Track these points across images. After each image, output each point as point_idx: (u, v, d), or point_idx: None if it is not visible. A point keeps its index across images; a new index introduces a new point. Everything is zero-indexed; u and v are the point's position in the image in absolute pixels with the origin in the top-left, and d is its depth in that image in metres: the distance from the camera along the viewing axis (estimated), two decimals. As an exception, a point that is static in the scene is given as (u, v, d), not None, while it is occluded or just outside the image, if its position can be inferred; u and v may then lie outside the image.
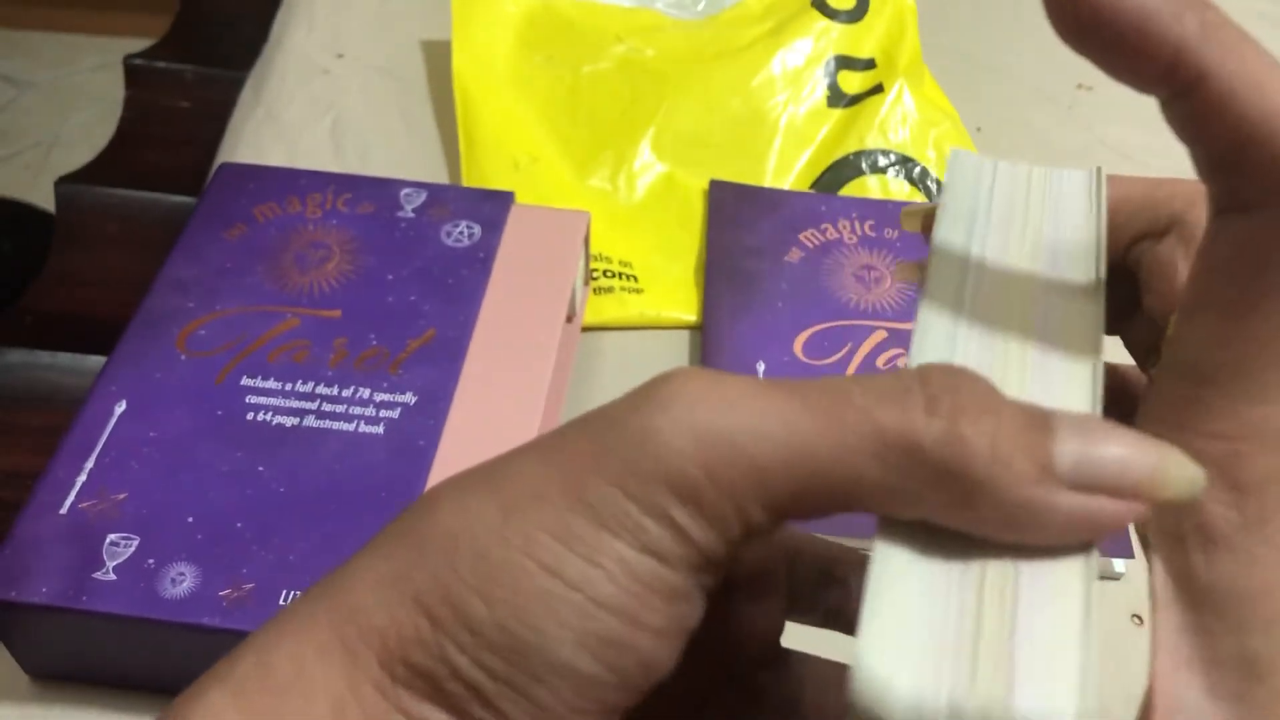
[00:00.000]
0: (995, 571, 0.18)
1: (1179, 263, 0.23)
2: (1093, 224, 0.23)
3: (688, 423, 0.18)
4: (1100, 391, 0.20)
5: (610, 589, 0.18)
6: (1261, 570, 0.18)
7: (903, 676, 0.17)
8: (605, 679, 0.18)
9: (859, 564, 0.25)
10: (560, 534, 0.18)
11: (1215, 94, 0.18)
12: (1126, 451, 0.17)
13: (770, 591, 0.24)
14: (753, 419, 0.18)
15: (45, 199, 0.71)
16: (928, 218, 0.25)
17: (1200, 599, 0.19)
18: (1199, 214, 0.23)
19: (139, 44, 0.73)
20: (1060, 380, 0.20)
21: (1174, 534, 0.19)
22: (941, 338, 0.21)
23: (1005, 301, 0.21)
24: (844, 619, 0.25)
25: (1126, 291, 0.25)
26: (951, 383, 0.18)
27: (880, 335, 0.55)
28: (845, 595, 0.25)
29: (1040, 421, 0.17)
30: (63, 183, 0.64)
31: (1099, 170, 0.24)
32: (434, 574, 0.18)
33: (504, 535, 0.18)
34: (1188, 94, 0.18)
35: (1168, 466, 0.17)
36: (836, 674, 0.26)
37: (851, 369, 0.53)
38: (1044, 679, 0.17)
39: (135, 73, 0.71)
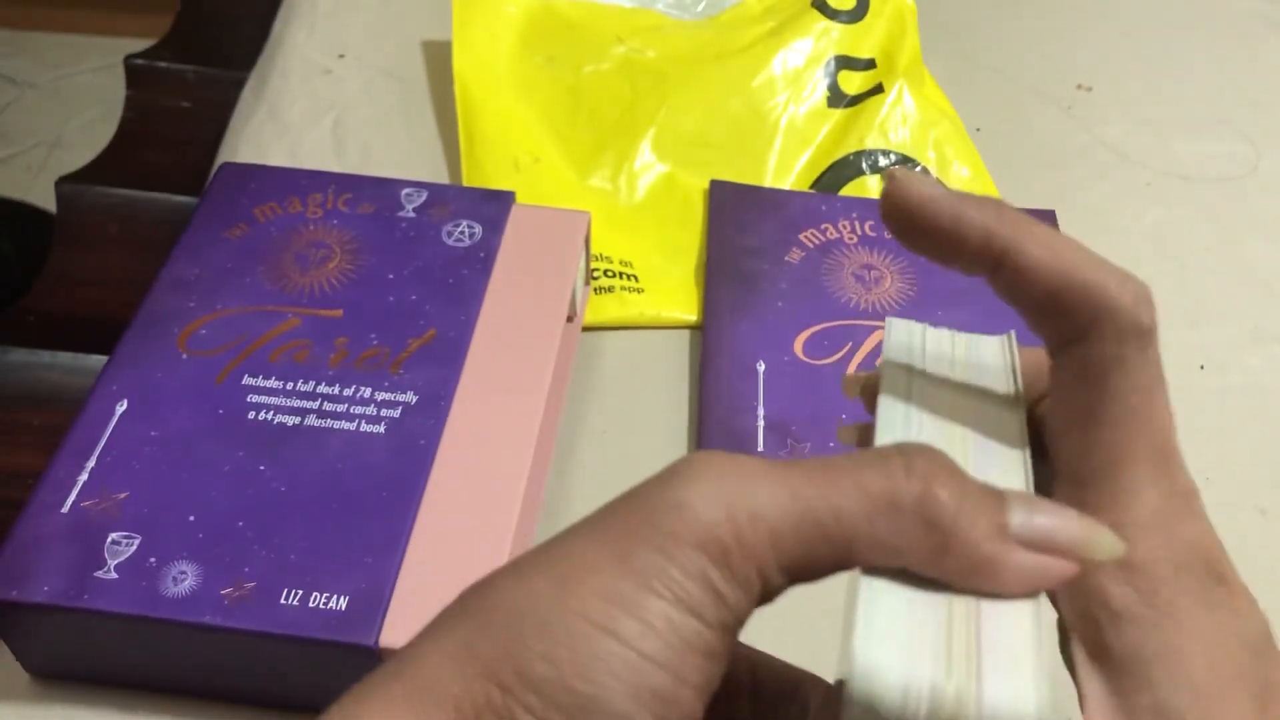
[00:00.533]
0: (961, 602, 0.21)
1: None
2: (1007, 358, 0.27)
3: (715, 496, 0.21)
4: (1031, 478, 0.24)
5: (658, 645, 0.20)
6: (1161, 635, 0.22)
7: (890, 666, 0.20)
8: None
9: (816, 684, 0.28)
10: (613, 598, 0.20)
11: (1021, 261, 0.23)
12: (1064, 521, 0.21)
13: (738, 693, 0.28)
14: (767, 490, 0.21)
15: (46, 199, 0.71)
16: (867, 385, 0.29)
17: (1116, 666, 0.22)
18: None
19: (140, 44, 0.73)
20: (997, 469, 0.24)
21: (1086, 614, 0.23)
22: (898, 434, 0.25)
23: (945, 417, 0.26)
24: None
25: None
26: (925, 454, 0.21)
27: (880, 335, 0.55)
28: (803, 712, 0.28)
29: (995, 493, 0.22)
30: (64, 183, 0.64)
31: (1010, 335, 0.28)
32: (501, 644, 0.20)
33: (562, 603, 0.20)
34: (1001, 266, 0.23)
35: (1095, 534, 0.22)
36: None
37: (852, 368, 0.54)
38: (1008, 678, 0.20)
39: (136, 73, 0.71)
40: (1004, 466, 0.24)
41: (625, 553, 0.21)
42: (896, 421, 0.25)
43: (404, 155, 0.64)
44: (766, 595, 0.21)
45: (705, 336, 0.56)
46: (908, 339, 0.28)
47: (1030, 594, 0.21)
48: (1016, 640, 0.21)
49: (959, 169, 0.66)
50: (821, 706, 0.27)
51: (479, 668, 0.20)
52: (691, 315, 0.58)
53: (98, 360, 0.54)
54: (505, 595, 0.21)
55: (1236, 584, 0.23)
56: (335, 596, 0.39)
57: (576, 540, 0.21)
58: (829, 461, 0.22)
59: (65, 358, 0.55)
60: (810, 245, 0.59)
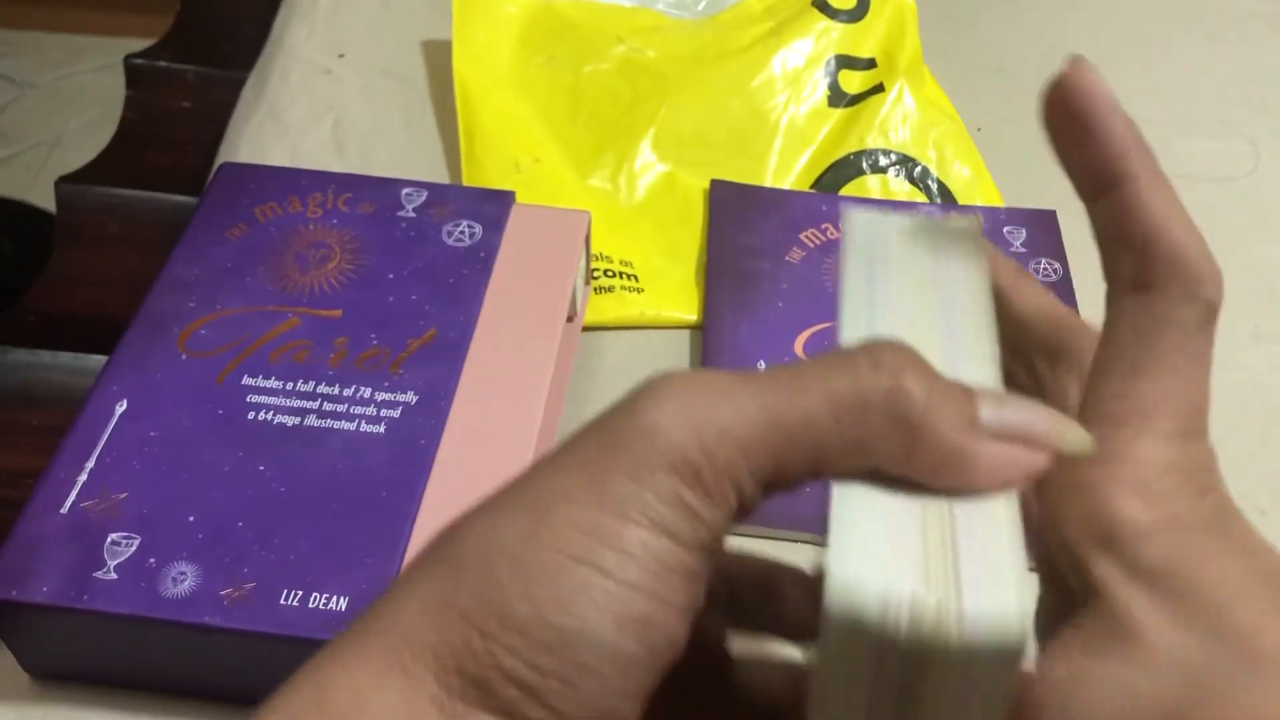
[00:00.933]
0: (935, 507, 0.21)
1: (1071, 390, 0.27)
2: (972, 242, 0.26)
3: (682, 416, 0.20)
4: (999, 370, 0.24)
5: (638, 572, 0.20)
6: (1187, 552, 0.21)
7: (869, 578, 0.20)
8: (644, 659, 0.20)
9: (796, 578, 0.28)
10: (589, 529, 0.20)
11: (1133, 194, 0.23)
12: (1033, 414, 0.22)
13: (714, 604, 0.27)
14: (733, 404, 0.21)
15: (46, 199, 0.71)
16: None
17: (1146, 578, 0.22)
18: (1087, 350, 0.27)
19: (140, 44, 0.73)
20: (967, 361, 0.24)
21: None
22: (863, 331, 0.24)
23: (910, 309, 0.25)
24: (784, 626, 0.28)
25: None
26: (891, 348, 0.21)
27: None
28: (784, 606, 0.28)
29: (963, 386, 0.22)
30: (64, 183, 0.64)
31: (978, 218, 0.27)
32: (477, 588, 0.20)
33: (537, 539, 0.20)
34: (1112, 190, 0.23)
35: (1064, 426, 0.22)
36: (780, 674, 0.29)
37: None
38: (988, 590, 0.20)
39: (136, 73, 0.71)
40: (972, 357, 0.24)
41: (598, 482, 0.20)
42: (860, 317, 0.24)
43: (404, 155, 0.64)
44: (743, 509, 0.21)
45: (705, 336, 0.56)
46: (868, 230, 0.27)
47: (1003, 488, 0.21)
48: (993, 548, 0.20)
49: (959, 169, 0.66)
50: (802, 600, 0.28)
51: (456, 615, 0.20)
52: (692, 315, 0.58)
53: (98, 360, 0.54)
54: (477, 538, 0.21)
55: (1255, 536, 0.22)
56: (335, 597, 0.39)
57: (547, 474, 0.21)
58: (796, 367, 0.22)
59: (65, 358, 0.55)
60: (811, 245, 0.59)
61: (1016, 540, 0.21)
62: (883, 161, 0.65)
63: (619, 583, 0.20)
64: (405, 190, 0.53)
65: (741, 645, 0.29)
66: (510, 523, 0.21)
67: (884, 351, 0.21)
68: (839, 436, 0.21)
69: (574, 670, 0.20)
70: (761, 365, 0.54)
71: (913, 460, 0.21)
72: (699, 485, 0.20)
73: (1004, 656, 0.20)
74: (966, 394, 0.21)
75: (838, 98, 0.68)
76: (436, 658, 0.20)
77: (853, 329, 0.24)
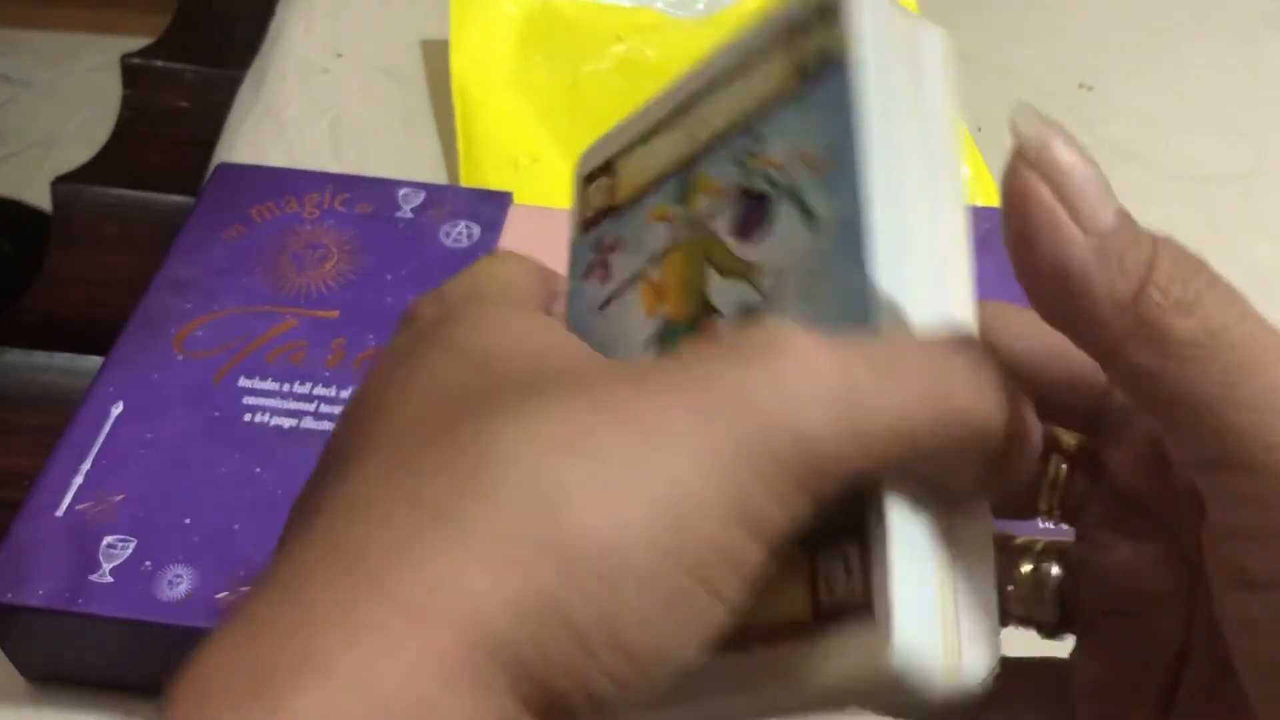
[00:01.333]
0: (947, 546, 0.19)
1: (1142, 481, 0.23)
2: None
3: (821, 405, 0.17)
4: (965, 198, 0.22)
5: (742, 595, 0.18)
6: None
7: (931, 647, 0.18)
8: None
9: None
10: (730, 554, 0.17)
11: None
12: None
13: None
14: (871, 400, 0.18)
15: (43, 199, 0.70)
16: None
17: None
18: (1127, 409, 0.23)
19: (137, 43, 0.72)
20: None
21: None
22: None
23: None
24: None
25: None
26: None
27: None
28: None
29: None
30: (60, 182, 0.64)
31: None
32: (598, 602, 0.16)
33: (675, 558, 0.17)
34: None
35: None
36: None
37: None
38: (976, 643, 0.19)
39: (133, 72, 0.71)
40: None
41: (739, 493, 0.17)
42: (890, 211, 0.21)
43: (402, 155, 0.64)
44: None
45: (705, 337, 0.55)
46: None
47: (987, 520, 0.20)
48: (982, 593, 0.20)
49: (960, 169, 0.65)
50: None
51: (564, 628, 0.16)
52: (691, 316, 0.58)
53: (94, 361, 0.53)
54: (598, 530, 0.16)
55: None
56: (332, 600, 0.39)
57: (669, 453, 0.17)
58: (931, 357, 0.19)
59: (61, 358, 0.55)
60: (810, 245, 0.59)
61: (993, 589, 0.20)
62: (882, 161, 0.65)
63: (729, 609, 0.17)
64: (403, 190, 0.53)
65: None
66: (638, 521, 0.17)
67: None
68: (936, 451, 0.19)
69: (647, 686, 0.17)
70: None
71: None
72: (817, 495, 0.18)
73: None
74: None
75: (837, 97, 0.67)
76: (525, 667, 0.16)
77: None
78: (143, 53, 0.72)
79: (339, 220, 0.52)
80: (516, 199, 0.54)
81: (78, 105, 1.64)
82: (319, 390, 0.45)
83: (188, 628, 0.38)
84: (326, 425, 0.44)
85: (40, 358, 0.55)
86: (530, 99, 0.66)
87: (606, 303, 0.25)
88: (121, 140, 0.68)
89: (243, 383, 0.45)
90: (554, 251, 0.52)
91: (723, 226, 0.23)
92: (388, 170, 0.61)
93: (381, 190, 0.53)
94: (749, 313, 0.21)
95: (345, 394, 0.45)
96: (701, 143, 0.24)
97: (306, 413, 0.44)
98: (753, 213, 0.22)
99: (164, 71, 0.71)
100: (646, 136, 0.25)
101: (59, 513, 0.41)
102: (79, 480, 0.42)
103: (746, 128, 0.23)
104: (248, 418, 0.44)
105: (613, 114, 0.66)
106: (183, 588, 0.39)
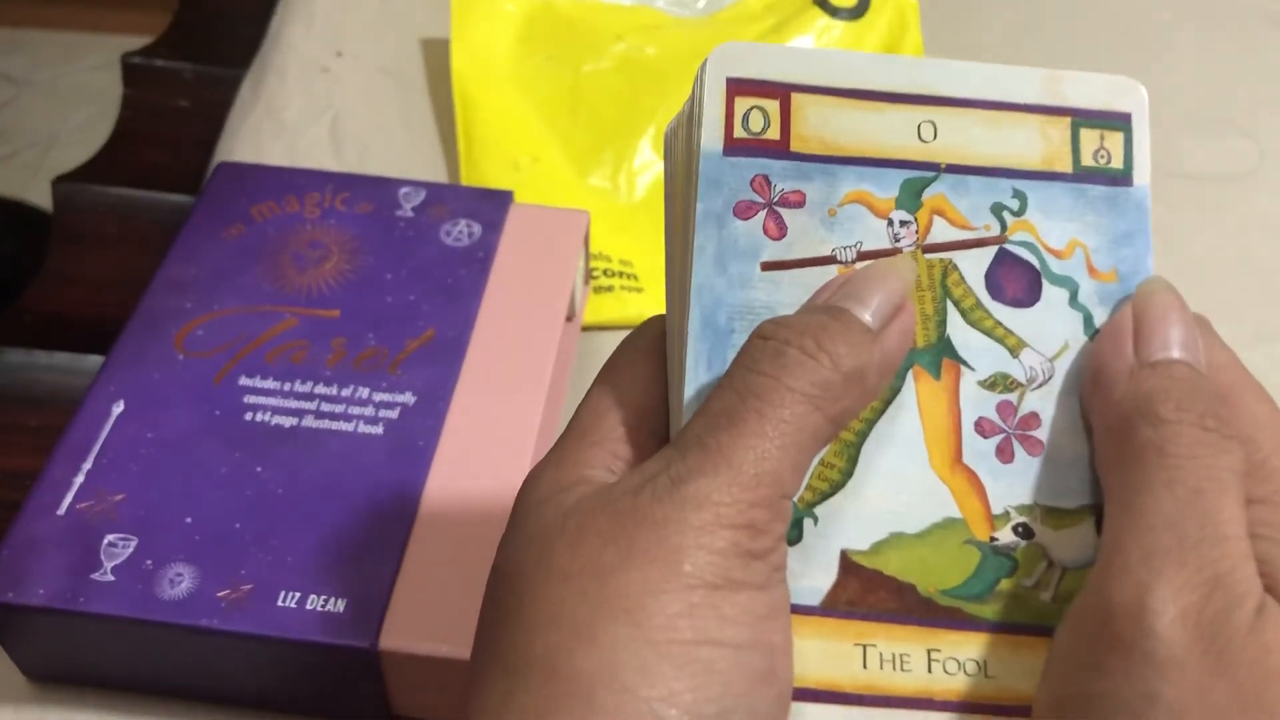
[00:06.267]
0: None
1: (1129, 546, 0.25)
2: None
3: (719, 484, 0.22)
4: None
5: (744, 632, 0.21)
6: None
7: None
8: (772, 708, 0.22)
9: None
10: (687, 611, 0.21)
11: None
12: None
13: None
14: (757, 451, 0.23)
15: (43, 198, 0.70)
16: None
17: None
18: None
19: (137, 42, 0.72)
20: None
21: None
22: None
23: None
24: None
25: None
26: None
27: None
28: None
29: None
30: (61, 182, 0.64)
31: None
32: (617, 710, 0.20)
33: (648, 637, 0.20)
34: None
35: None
36: None
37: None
38: None
39: (133, 71, 0.71)
40: None
41: (672, 565, 0.21)
42: None
43: (402, 154, 0.64)
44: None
45: (705, 336, 0.55)
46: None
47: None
48: None
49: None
50: None
51: None
52: (691, 315, 0.58)
53: (94, 360, 0.53)
54: (585, 657, 0.20)
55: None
56: (333, 599, 0.39)
57: (608, 579, 0.21)
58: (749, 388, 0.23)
59: (62, 358, 0.55)
60: (811, 244, 0.59)
61: None
62: (883, 160, 0.65)
63: (734, 649, 0.20)
64: (403, 190, 0.53)
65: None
66: (610, 631, 0.20)
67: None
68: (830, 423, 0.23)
69: None
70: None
71: None
72: (753, 529, 0.21)
73: None
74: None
75: (838, 96, 0.67)
76: None
77: None
78: (143, 52, 0.72)
79: (339, 219, 0.52)
80: (517, 198, 0.54)
81: (78, 105, 1.64)
82: (320, 389, 0.45)
83: (189, 626, 0.38)
84: (327, 424, 0.44)
85: (40, 357, 0.55)
86: (531, 98, 0.66)
87: (777, 266, 0.24)
88: (121, 140, 0.68)
89: (243, 382, 0.45)
90: (554, 251, 0.52)
91: (969, 269, 0.24)
92: (388, 169, 0.61)
93: (382, 189, 0.53)
94: (1009, 386, 0.24)
95: (346, 393, 0.45)
96: (935, 154, 0.24)
97: (307, 412, 0.44)
98: (1016, 280, 0.23)
99: (164, 71, 0.71)
100: (851, 94, 0.24)
101: (60, 512, 0.41)
102: (80, 479, 0.42)
103: (1002, 174, 0.24)
104: (248, 417, 0.44)
105: (613, 113, 0.66)
106: (184, 586, 0.39)
